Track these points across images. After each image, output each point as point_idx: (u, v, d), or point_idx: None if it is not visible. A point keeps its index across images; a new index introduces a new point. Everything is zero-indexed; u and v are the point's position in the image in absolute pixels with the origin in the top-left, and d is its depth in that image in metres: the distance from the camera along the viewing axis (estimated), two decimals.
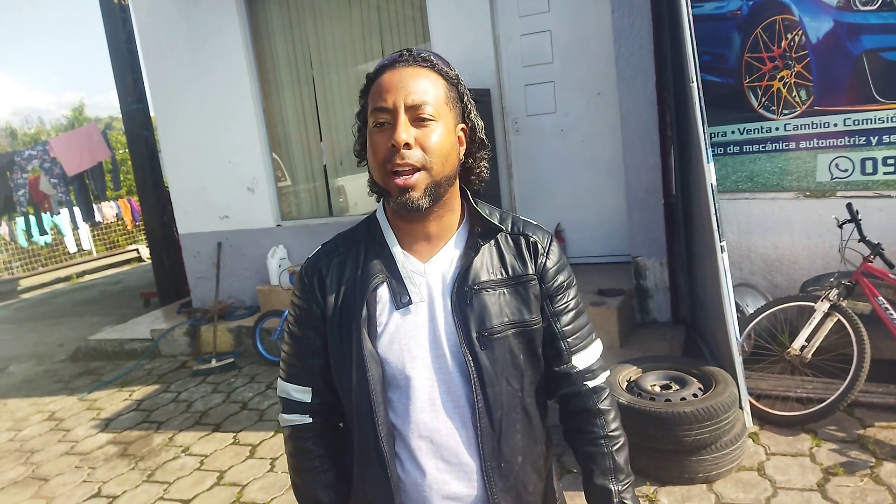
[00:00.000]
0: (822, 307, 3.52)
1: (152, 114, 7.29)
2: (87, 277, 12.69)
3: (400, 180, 1.16)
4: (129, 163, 8.11)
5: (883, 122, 4.06)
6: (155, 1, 6.28)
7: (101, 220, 13.17)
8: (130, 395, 5.34)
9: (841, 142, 4.22)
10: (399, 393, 1.24)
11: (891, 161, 4.08)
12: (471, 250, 1.26)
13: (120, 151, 12.27)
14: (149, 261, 12.53)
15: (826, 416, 3.35)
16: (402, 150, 1.15)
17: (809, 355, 3.56)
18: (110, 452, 4.32)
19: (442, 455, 1.23)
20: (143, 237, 14.61)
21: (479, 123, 1.29)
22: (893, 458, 3.06)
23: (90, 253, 14.00)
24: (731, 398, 3.10)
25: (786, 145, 4.42)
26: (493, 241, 1.28)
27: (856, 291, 3.51)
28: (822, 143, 4.30)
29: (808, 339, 3.56)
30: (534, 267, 1.29)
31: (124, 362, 6.26)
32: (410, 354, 1.22)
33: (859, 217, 3.51)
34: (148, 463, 4.09)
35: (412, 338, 1.23)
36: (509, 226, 1.32)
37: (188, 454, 4.14)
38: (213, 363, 5.63)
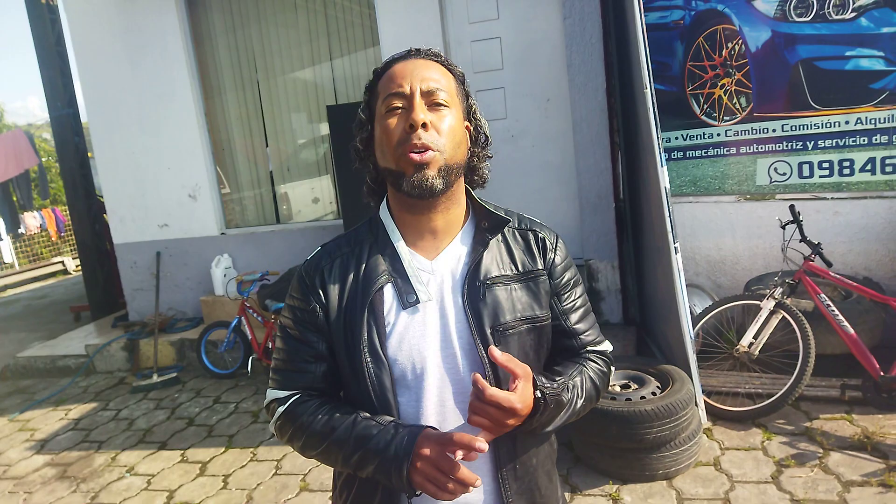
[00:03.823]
0: (768, 305, 3.66)
1: (84, 119, 6.97)
2: (10, 292, 11.98)
3: (416, 156, 1.15)
4: (55, 171, 7.72)
5: (818, 127, 4.27)
6: (89, 2, 6.02)
7: (24, 232, 12.50)
8: (66, 415, 5.06)
9: (779, 147, 4.42)
10: (408, 394, 1.21)
11: (826, 165, 4.30)
12: (479, 245, 1.25)
13: (44, 159, 11.67)
14: (76, 273, 11.96)
15: (775, 410, 3.49)
16: (419, 131, 1.15)
17: (757, 352, 3.69)
18: (48, 475, 4.08)
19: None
20: (69, 249, 13.96)
21: (484, 123, 1.30)
22: (840, 448, 3.20)
23: (12, 266, 13.25)
24: (687, 395, 3.18)
25: (727, 150, 4.60)
26: (501, 237, 1.28)
27: (799, 290, 3.67)
28: (762, 148, 4.49)
29: (756, 337, 3.70)
30: (543, 263, 1.29)
31: (57, 380, 5.93)
32: (420, 354, 1.20)
33: (800, 218, 3.67)
34: (91, 484, 3.88)
35: (422, 337, 1.20)
36: (516, 221, 1.32)
37: (134, 474, 3.95)
38: (155, 378, 5.40)
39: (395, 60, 1.23)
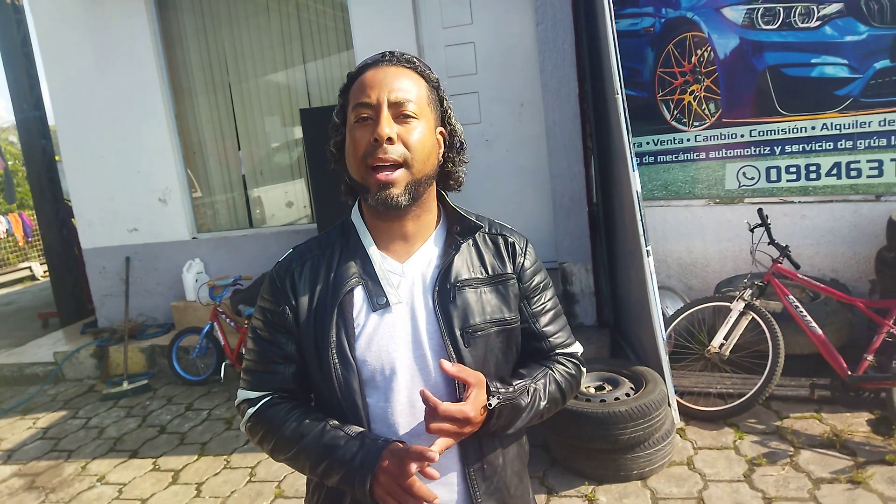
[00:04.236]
0: (738, 307, 3.73)
1: (51, 122, 6.83)
2: None
3: (381, 175, 1.16)
4: (22, 174, 7.55)
5: (785, 133, 4.36)
6: (56, 3, 5.91)
7: None
8: (34, 423, 4.94)
9: (747, 152, 4.51)
10: (377, 395, 1.22)
11: (793, 169, 4.39)
12: (451, 248, 1.27)
13: (11, 162, 11.41)
14: (43, 279, 11.71)
15: (746, 409, 3.55)
16: (385, 145, 1.15)
17: (728, 352, 3.76)
18: (16, 486, 3.98)
19: None
20: (37, 254, 13.65)
21: (459, 128, 1.30)
22: (809, 447, 3.28)
23: None
24: (661, 396, 3.22)
25: (697, 155, 4.67)
26: (471, 242, 1.30)
27: (768, 291, 3.74)
28: (730, 153, 4.57)
29: (726, 338, 3.76)
30: (512, 267, 1.31)
31: (24, 388, 5.80)
32: (389, 356, 1.21)
33: (769, 221, 3.74)
34: (60, 494, 3.80)
35: (391, 338, 1.21)
36: (487, 226, 1.34)
37: (104, 483, 3.88)
38: (125, 385, 5.31)
39: (368, 66, 1.22)
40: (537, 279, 1.35)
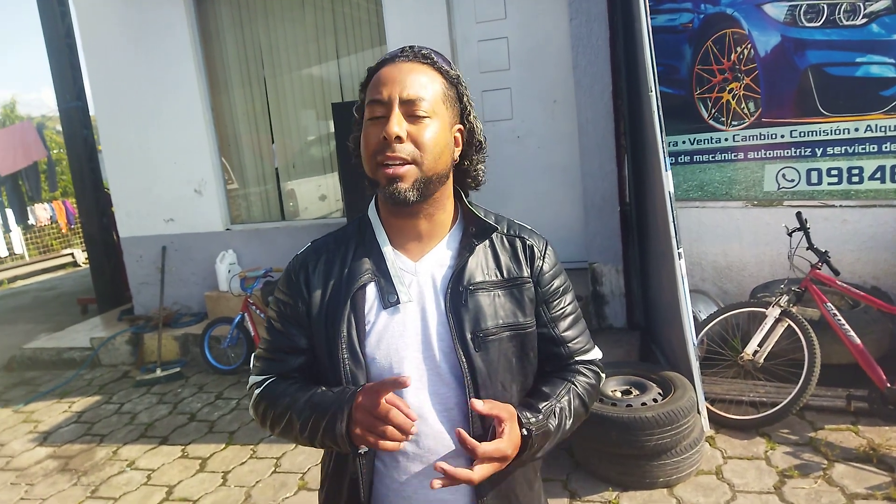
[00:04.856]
0: (773, 313, 3.62)
1: (92, 112, 6.99)
2: (19, 283, 12.06)
3: (389, 170, 1.15)
4: (65, 163, 7.75)
5: (827, 134, 4.22)
6: None
7: (35, 223, 12.56)
8: (70, 407, 5.08)
9: (787, 153, 4.37)
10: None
11: (834, 172, 4.25)
12: (465, 250, 1.25)
13: (55, 151, 11.72)
14: (84, 266, 12.02)
15: (779, 419, 3.45)
16: (394, 144, 1.14)
17: (762, 360, 3.66)
18: (50, 467, 4.10)
19: (428, 460, 1.21)
20: (79, 241, 14.02)
21: (479, 126, 1.28)
22: (844, 460, 3.17)
23: (22, 257, 13.33)
24: (689, 403, 3.15)
25: (734, 155, 4.55)
26: (488, 243, 1.28)
27: (805, 298, 3.63)
28: (770, 153, 4.44)
29: (760, 345, 3.66)
30: (529, 270, 1.29)
31: (62, 372, 5.96)
32: (398, 355, 1.20)
33: (808, 225, 3.63)
34: (91, 478, 3.89)
35: (400, 337, 1.21)
36: (505, 227, 1.32)
37: (134, 468, 3.96)
38: (158, 373, 5.42)
39: (386, 62, 1.21)
40: (556, 283, 1.32)
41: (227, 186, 6.31)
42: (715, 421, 3.59)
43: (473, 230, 1.27)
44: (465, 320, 1.20)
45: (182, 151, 6.12)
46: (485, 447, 1.09)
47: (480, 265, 1.25)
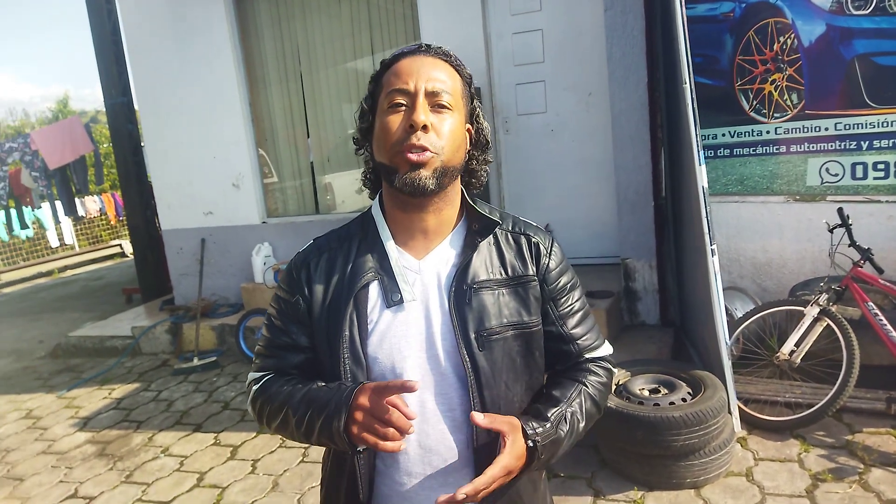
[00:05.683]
0: (812, 312, 3.50)
1: (137, 107, 7.18)
2: (69, 272, 12.51)
3: (413, 155, 1.13)
4: (113, 157, 8.00)
5: (874, 126, 4.05)
6: None
7: (84, 215, 12.99)
8: (110, 394, 5.24)
9: (832, 146, 4.21)
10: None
11: (881, 166, 4.07)
12: (469, 248, 1.24)
13: (104, 145, 12.09)
14: (132, 256, 12.38)
15: (815, 421, 3.34)
16: (419, 132, 1.13)
17: (798, 360, 3.53)
18: (88, 452, 4.23)
19: (430, 461, 1.19)
20: (127, 232, 14.47)
21: (486, 126, 1.28)
22: (882, 465, 3.04)
23: (72, 248, 13.82)
24: (720, 403, 3.06)
25: (776, 149, 4.40)
26: (492, 241, 1.26)
27: (845, 296, 3.50)
28: (813, 147, 4.28)
29: (798, 344, 3.54)
30: (535, 268, 1.27)
31: (104, 360, 6.15)
32: (401, 354, 1.19)
33: (850, 222, 3.49)
34: (126, 463, 4.00)
35: (403, 337, 1.19)
36: (510, 224, 1.30)
37: (168, 455, 4.06)
38: (195, 362, 5.54)
39: (404, 54, 1.21)
40: (564, 280, 1.29)
41: (264, 180, 6.40)
42: (748, 421, 3.49)
43: (477, 227, 1.25)
44: (469, 319, 1.18)
45: (221, 146, 6.23)
46: (490, 474, 1.08)
47: (485, 263, 1.23)
